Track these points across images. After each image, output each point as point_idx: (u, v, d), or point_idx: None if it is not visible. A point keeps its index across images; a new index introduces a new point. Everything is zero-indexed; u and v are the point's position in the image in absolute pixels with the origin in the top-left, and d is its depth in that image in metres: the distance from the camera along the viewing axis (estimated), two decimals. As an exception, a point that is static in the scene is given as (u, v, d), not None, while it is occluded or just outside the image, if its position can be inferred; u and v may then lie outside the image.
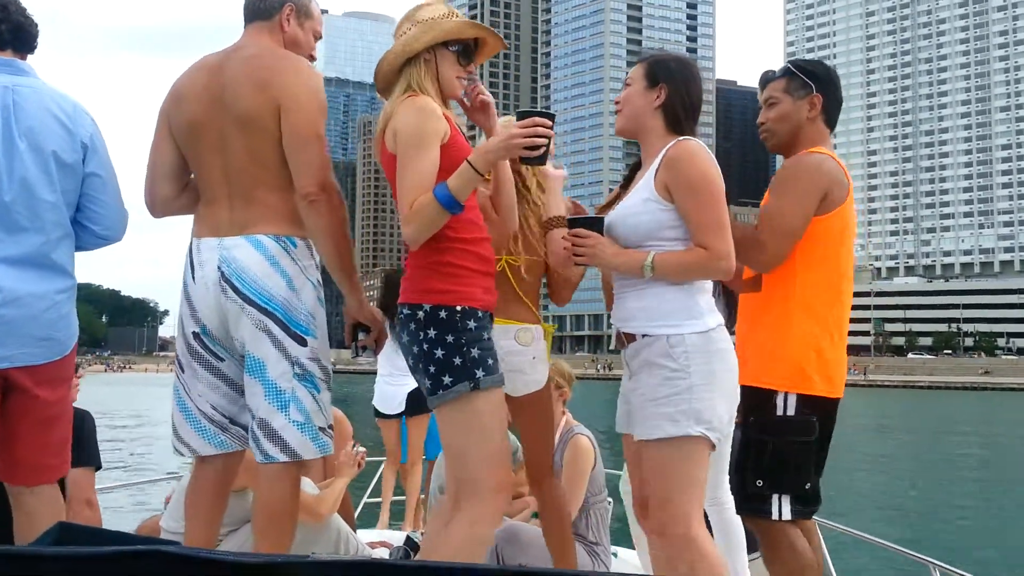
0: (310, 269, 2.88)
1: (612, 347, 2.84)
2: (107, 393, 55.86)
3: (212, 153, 2.87)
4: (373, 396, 6.63)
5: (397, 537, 5.10)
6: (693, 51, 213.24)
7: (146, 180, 3.04)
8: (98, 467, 3.73)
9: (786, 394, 2.99)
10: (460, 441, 2.69)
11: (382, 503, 6.44)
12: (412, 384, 6.27)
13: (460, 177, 2.61)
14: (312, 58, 3.09)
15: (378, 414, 6.58)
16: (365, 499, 6.52)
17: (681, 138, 2.77)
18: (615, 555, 4.26)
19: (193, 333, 2.91)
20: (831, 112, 3.26)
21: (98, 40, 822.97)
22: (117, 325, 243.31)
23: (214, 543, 3.10)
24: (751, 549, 4.08)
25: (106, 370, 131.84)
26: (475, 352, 2.65)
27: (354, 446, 4.18)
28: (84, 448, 3.54)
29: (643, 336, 2.72)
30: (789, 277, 3.06)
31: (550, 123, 2.66)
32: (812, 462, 3.04)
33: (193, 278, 2.88)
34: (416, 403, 6.35)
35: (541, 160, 2.70)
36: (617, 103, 2.92)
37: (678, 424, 2.63)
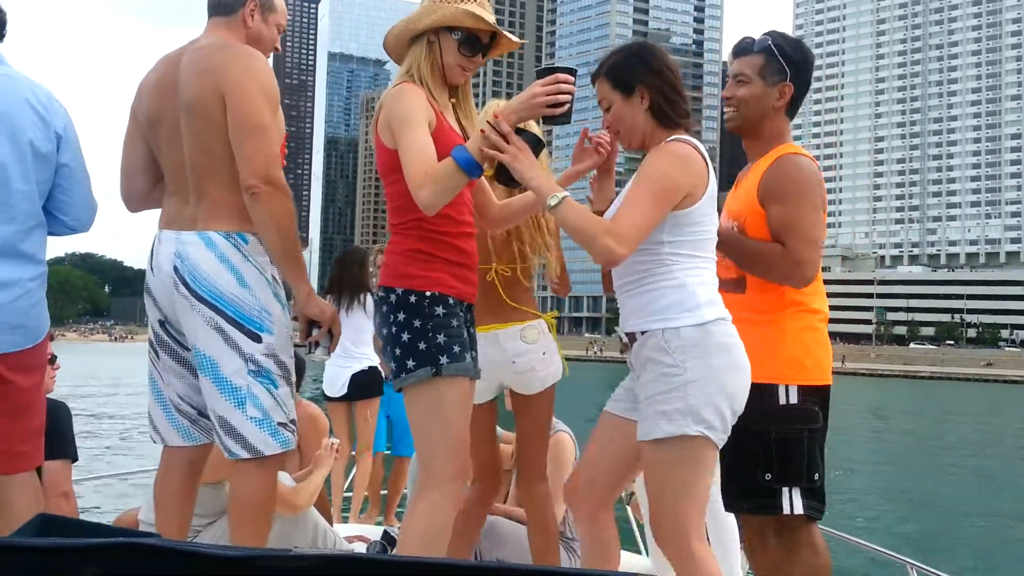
0: (264, 265, 2.84)
1: (621, 351, 2.86)
2: (113, 364, 55.97)
3: (169, 146, 2.87)
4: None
5: (374, 531, 5.07)
6: (700, 32, 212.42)
7: (121, 175, 3.08)
8: (74, 459, 3.71)
9: (787, 386, 2.95)
10: (421, 426, 2.69)
11: (332, 498, 6.07)
12: (357, 367, 6.15)
13: (477, 139, 2.60)
14: (277, 50, 3.12)
15: (325, 397, 6.36)
16: (343, 493, 6.36)
17: (669, 139, 2.69)
18: None
19: (159, 321, 2.91)
20: (796, 104, 3.15)
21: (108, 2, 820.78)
22: (120, 295, 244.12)
23: (186, 533, 3.08)
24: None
25: (114, 340, 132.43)
26: (440, 338, 2.65)
27: (331, 439, 4.20)
28: (60, 440, 3.51)
29: (641, 333, 2.65)
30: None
31: (572, 79, 2.60)
32: (818, 452, 2.98)
33: (151, 268, 2.88)
34: (360, 388, 6.19)
35: (566, 118, 2.61)
36: (608, 127, 2.82)
37: (674, 423, 2.52)
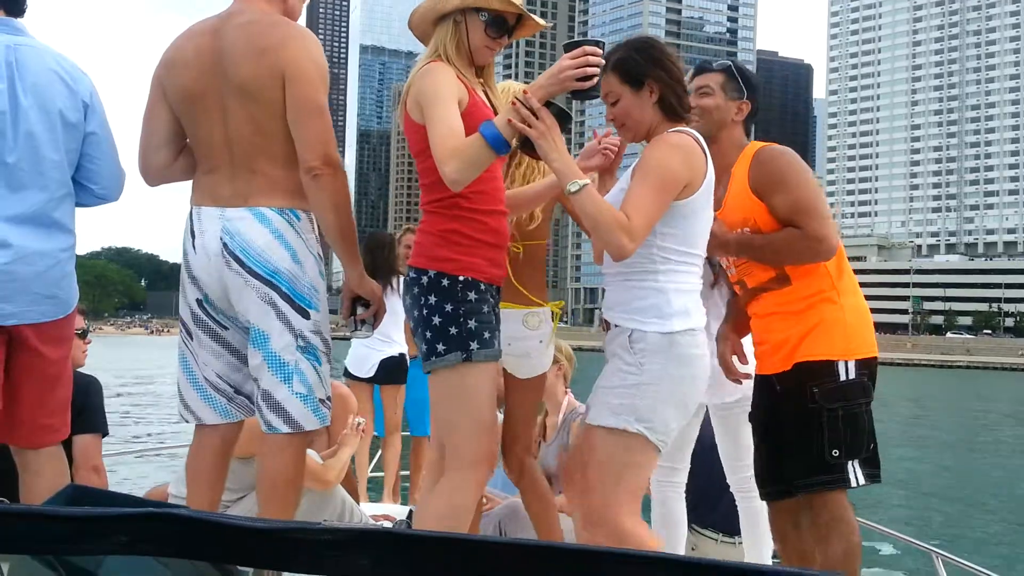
0: (312, 242, 2.87)
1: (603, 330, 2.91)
2: (151, 355, 56.61)
3: (212, 121, 2.82)
4: (346, 357, 6.41)
5: (400, 511, 5.11)
6: (734, 20, 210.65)
7: (140, 148, 3.00)
8: (105, 434, 3.73)
9: (845, 362, 3.06)
10: (449, 410, 2.72)
11: (358, 478, 6.07)
12: (388, 351, 6.18)
13: (507, 112, 2.59)
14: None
15: (348, 374, 6.37)
16: (370, 473, 6.43)
17: (669, 131, 2.74)
18: None
19: (196, 300, 2.90)
20: (749, 123, 3.39)
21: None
22: (156, 289, 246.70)
23: (216, 508, 3.11)
24: (726, 532, 4.12)
25: (151, 333, 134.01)
26: (472, 324, 2.67)
27: (356, 418, 4.26)
28: (92, 414, 3.55)
29: (615, 326, 2.75)
30: (814, 266, 3.14)
31: (600, 51, 2.61)
32: (872, 423, 3.10)
33: (193, 247, 2.85)
34: (388, 373, 6.22)
35: (595, 91, 2.63)
36: (613, 120, 2.85)
37: (618, 417, 2.62)
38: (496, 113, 2.75)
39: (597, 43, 2.61)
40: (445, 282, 2.67)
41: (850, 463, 3.02)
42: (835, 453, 3.00)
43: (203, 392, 2.96)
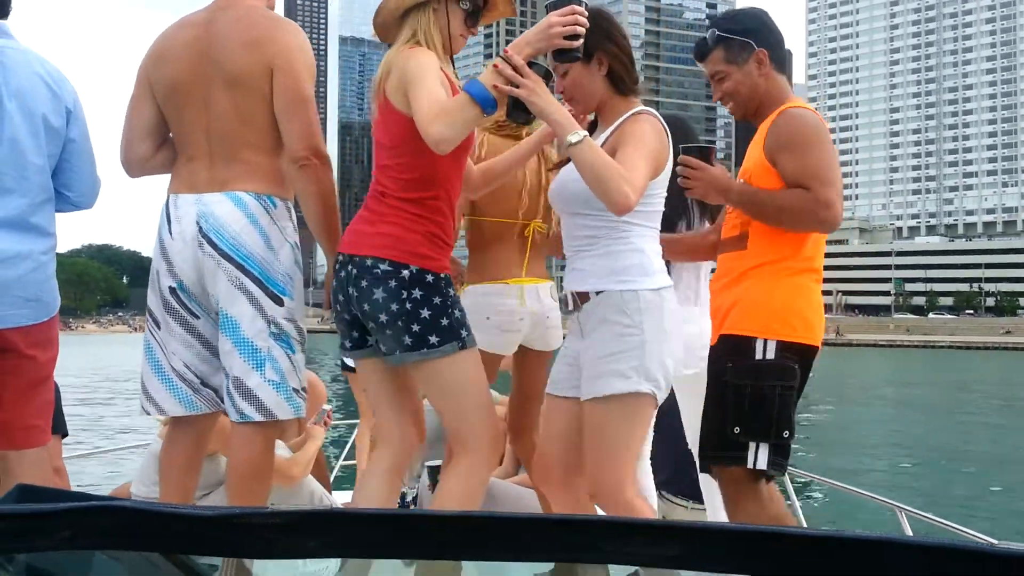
0: (288, 231, 2.88)
1: (568, 310, 2.91)
2: (137, 354, 56.27)
3: (196, 112, 2.86)
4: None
5: None
6: (713, 7, 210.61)
7: (122, 140, 3.03)
8: (64, 434, 3.74)
9: (765, 340, 2.94)
10: (450, 397, 2.74)
11: (357, 465, 6.12)
12: None
13: (490, 74, 2.53)
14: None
15: (344, 366, 6.28)
16: (341, 462, 6.39)
17: (639, 109, 2.76)
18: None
19: (170, 288, 2.90)
20: (779, 55, 3.13)
21: None
22: (138, 286, 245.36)
23: (190, 502, 3.10)
24: (697, 500, 4.12)
25: (134, 331, 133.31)
26: (457, 314, 2.71)
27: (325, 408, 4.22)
28: (53, 415, 3.53)
29: (597, 293, 2.71)
30: (775, 231, 3.00)
31: (585, 12, 2.59)
32: (791, 411, 2.97)
33: (170, 233, 2.87)
34: None
35: (578, 52, 2.62)
36: (562, 93, 2.83)
37: (629, 380, 2.62)
38: None
39: (580, 3, 2.59)
40: (429, 278, 2.68)
41: (753, 444, 2.93)
42: (736, 430, 2.93)
43: (168, 382, 2.95)
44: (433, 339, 2.66)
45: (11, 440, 2.84)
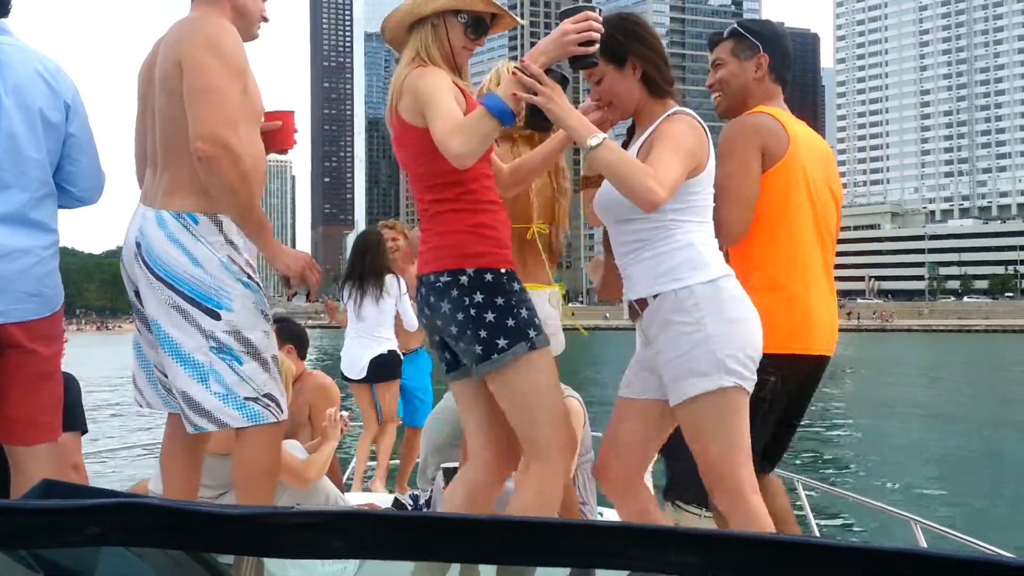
0: (218, 244, 2.81)
1: (630, 319, 2.81)
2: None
3: (150, 121, 2.91)
4: (340, 361, 6.64)
5: (385, 500, 5.15)
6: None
7: (134, 159, 3.08)
8: (84, 431, 3.73)
9: None
10: (522, 402, 2.64)
11: (355, 468, 6.45)
12: (377, 350, 6.32)
13: (509, 84, 2.54)
14: (264, 19, 3.08)
15: (344, 378, 6.48)
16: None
17: (675, 110, 2.73)
18: (601, 514, 4.25)
19: (135, 292, 2.92)
20: (780, 70, 3.26)
21: None
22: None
23: (193, 499, 3.11)
24: (708, 507, 4.10)
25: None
26: (524, 313, 2.63)
27: (340, 411, 4.23)
28: (70, 411, 3.55)
29: (653, 297, 2.66)
30: (743, 242, 3.04)
31: (600, 17, 2.59)
32: (760, 421, 2.89)
33: (124, 241, 2.92)
34: (379, 370, 6.35)
35: (594, 58, 2.61)
36: (599, 100, 2.81)
37: (709, 378, 2.55)
38: None
39: (593, 9, 2.59)
40: (489, 277, 2.61)
41: None
42: None
43: (151, 379, 3.00)
44: (502, 343, 2.58)
45: (18, 436, 2.85)
